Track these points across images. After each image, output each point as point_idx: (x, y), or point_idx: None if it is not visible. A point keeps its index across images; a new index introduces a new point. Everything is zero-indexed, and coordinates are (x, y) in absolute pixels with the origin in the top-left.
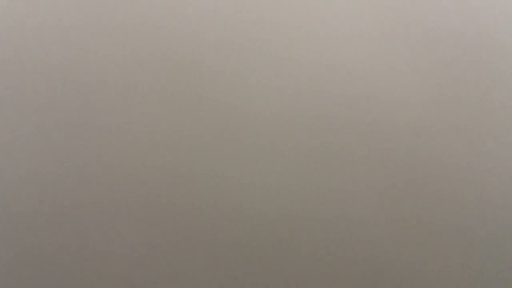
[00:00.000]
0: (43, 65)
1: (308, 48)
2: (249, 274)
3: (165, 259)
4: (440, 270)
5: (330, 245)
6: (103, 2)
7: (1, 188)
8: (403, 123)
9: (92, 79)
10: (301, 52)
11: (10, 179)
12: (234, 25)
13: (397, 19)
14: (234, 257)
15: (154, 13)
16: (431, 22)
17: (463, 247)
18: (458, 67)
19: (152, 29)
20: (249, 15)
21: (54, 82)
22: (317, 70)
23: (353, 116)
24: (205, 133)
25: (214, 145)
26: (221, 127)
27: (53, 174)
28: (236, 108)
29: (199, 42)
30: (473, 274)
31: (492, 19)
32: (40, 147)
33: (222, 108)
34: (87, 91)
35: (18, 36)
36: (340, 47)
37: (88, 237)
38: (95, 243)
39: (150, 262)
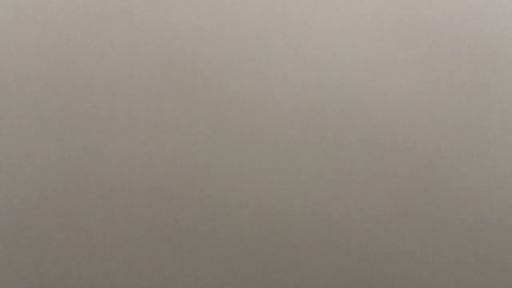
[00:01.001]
0: (44, 64)
1: (308, 45)
2: (249, 273)
3: (165, 257)
4: (441, 270)
5: (331, 244)
6: (104, 5)
7: (1, 189)
8: (405, 121)
9: (92, 77)
10: (301, 50)
11: (10, 179)
12: (234, 22)
13: (398, 17)
14: (235, 256)
15: (155, 11)
16: (431, 20)
17: (465, 247)
18: (458, 64)
19: (153, 27)
20: (249, 13)
21: (55, 80)
22: (317, 68)
23: (354, 114)
24: (206, 131)
25: (215, 143)
26: (222, 125)
27: (53, 172)
28: (236, 106)
29: (201, 38)
30: (474, 274)
31: (493, 17)
32: (40, 146)
33: (223, 105)
34: (87, 89)
35: (17, 35)
36: (341, 45)
37: (89, 235)
38: (95, 241)
39: (150, 260)
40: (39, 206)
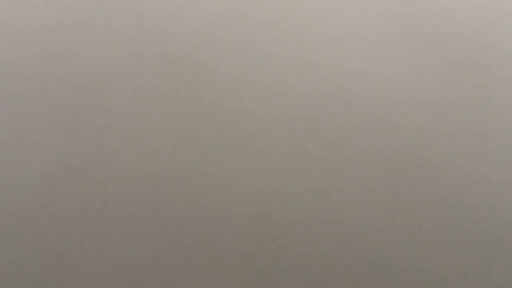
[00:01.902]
0: (43, 65)
1: (309, 49)
2: (249, 276)
3: (164, 259)
4: (441, 272)
5: (330, 246)
6: (103, 2)
7: (1, 189)
8: (405, 124)
9: (91, 78)
10: (302, 53)
11: (10, 179)
12: (234, 24)
13: (398, 20)
14: (234, 259)
15: (154, 13)
16: (432, 23)
17: (464, 250)
18: (460, 67)
19: (152, 29)
20: (249, 15)
21: (54, 82)
22: (318, 71)
23: (354, 117)
24: (205, 133)
25: (214, 145)
26: (221, 127)
27: (53, 174)
28: (235, 109)
29: (200, 41)
30: (474, 277)
31: (493, 20)
32: (40, 147)
33: (222, 108)
34: (86, 90)
35: (18, 36)
36: (342, 48)
37: (88, 237)
38: (94, 244)
39: (149, 263)
40: (40, 207)
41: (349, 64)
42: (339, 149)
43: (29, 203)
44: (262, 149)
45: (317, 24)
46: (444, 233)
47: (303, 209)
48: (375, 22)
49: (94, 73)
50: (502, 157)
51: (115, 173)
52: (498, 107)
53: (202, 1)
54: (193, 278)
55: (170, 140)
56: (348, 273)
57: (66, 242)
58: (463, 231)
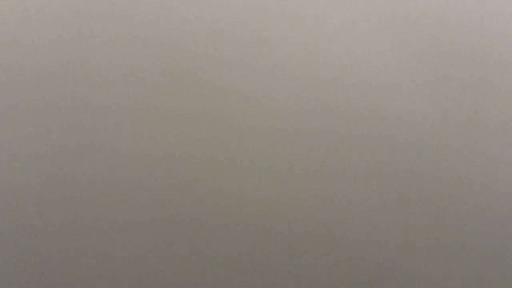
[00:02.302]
0: (44, 61)
1: (308, 44)
2: (248, 273)
3: (163, 256)
4: (441, 272)
5: (331, 239)
6: (103, 4)
7: (1, 187)
8: (404, 119)
9: (92, 74)
10: (301, 48)
11: (10, 177)
12: (234, 21)
13: (398, 22)
14: (233, 257)
15: (155, 16)
16: (431, 19)
17: (464, 250)
18: (458, 63)
19: (153, 24)
20: (249, 18)
21: (55, 78)
22: (317, 66)
23: (354, 119)
24: (207, 127)
25: (216, 139)
26: (223, 120)
27: (53, 174)
28: (237, 102)
29: (202, 36)
30: (474, 276)
31: (493, 20)
32: (41, 148)
33: (223, 111)
34: (87, 86)
35: (17, 36)
36: (342, 50)
37: (89, 232)
38: (95, 239)
39: (149, 259)
40: (40, 205)
41: (349, 68)
42: (339, 144)
43: (29, 203)
44: (263, 145)
45: (316, 21)
46: (442, 230)
47: (303, 205)
48: (375, 25)
49: (94, 70)
50: (505, 162)
51: (114, 172)
52: (498, 106)
53: (204, 4)
54: (193, 273)
55: (169, 140)
56: (346, 271)
57: (66, 242)
58: (460, 228)
